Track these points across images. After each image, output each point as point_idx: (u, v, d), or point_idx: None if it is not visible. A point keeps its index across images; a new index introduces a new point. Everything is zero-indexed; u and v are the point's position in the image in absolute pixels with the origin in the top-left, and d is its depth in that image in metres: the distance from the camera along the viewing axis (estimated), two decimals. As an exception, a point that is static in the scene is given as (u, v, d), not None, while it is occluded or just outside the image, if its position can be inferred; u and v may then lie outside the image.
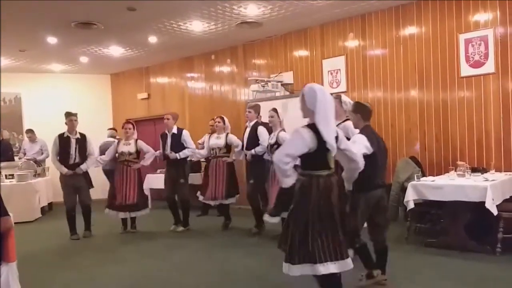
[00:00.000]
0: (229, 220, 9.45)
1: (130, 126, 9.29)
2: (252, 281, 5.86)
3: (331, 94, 8.29)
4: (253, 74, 11.62)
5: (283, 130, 7.96)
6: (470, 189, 6.42)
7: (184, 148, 9.24)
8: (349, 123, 5.99)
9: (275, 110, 8.04)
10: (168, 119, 9.33)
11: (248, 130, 8.83)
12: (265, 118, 8.98)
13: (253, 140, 8.60)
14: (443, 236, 6.99)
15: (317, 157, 4.24)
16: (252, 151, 8.51)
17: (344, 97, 6.39)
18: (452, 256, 6.42)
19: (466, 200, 6.45)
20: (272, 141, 7.96)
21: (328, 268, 4.12)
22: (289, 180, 4.27)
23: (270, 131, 8.39)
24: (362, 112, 5.28)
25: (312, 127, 4.21)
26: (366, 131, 5.09)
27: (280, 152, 4.20)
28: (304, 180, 4.27)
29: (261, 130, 8.57)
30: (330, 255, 4.13)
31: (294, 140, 4.24)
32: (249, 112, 8.86)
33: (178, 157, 9.15)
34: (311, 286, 5.48)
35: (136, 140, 9.33)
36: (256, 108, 8.91)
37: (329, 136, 4.19)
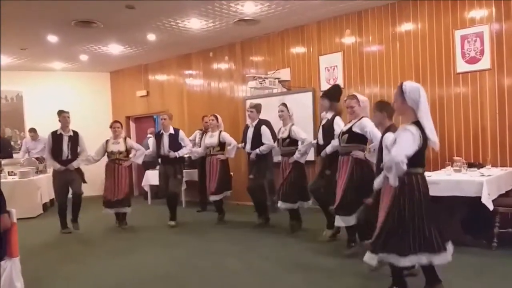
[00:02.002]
0: (222, 214, 9.43)
1: (119, 125, 9.30)
2: (251, 275, 5.77)
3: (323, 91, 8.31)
4: (250, 71, 11.57)
5: (293, 124, 8.02)
6: (466, 184, 6.32)
7: (181, 147, 9.28)
8: (366, 120, 6.06)
9: (284, 105, 8.11)
10: (165, 119, 9.33)
11: (251, 130, 8.81)
12: (264, 115, 8.98)
13: (258, 139, 8.61)
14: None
15: (418, 155, 4.29)
16: (257, 150, 8.52)
17: (359, 96, 6.32)
18: (449, 250, 6.35)
19: (463, 195, 6.34)
20: (284, 135, 8.01)
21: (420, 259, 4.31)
22: (398, 180, 4.27)
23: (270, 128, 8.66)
24: (387, 110, 5.41)
25: (417, 124, 4.26)
26: (394, 130, 5.02)
27: (400, 153, 4.15)
28: (403, 178, 4.28)
29: (264, 130, 8.61)
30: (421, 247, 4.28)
31: (408, 139, 4.22)
32: (251, 111, 8.83)
33: (177, 156, 9.17)
34: (309, 277, 5.44)
35: (125, 138, 9.37)
36: (258, 108, 8.91)
37: (432, 132, 4.30)
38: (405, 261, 4.30)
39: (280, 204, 8.01)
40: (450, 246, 4.46)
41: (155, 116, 14.97)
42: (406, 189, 4.30)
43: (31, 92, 14.57)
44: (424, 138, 4.25)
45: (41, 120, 13.60)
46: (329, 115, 7.10)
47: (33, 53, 12.39)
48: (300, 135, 7.83)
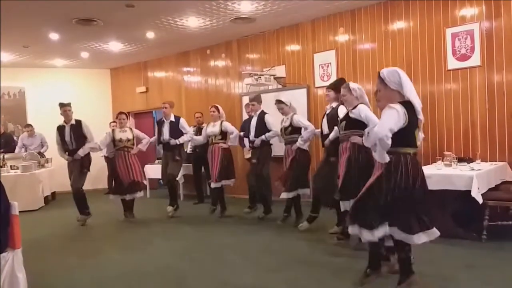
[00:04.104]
0: (223, 208, 9.29)
1: (124, 116, 9.27)
2: (248, 267, 5.72)
3: (319, 87, 8.27)
4: (246, 68, 11.50)
5: (295, 113, 7.99)
6: (456, 179, 6.28)
7: (182, 134, 9.25)
8: (361, 106, 5.90)
9: (279, 101, 8.03)
10: (166, 107, 9.32)
11: (255, 119, 8.73)
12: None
13: (262, 128, 8.54)
14: (431, 223, 6.87)
15: (405, 134, 4.20)
16: (263, 136, 8.45)
17: (352, 84, 6.13)
18: (439, 242, 6.19)
19: (453, 189, 6.31)
20: (286, 124, 7.96)
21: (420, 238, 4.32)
22: (387, 156, 4.22)
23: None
24: None
25: (403, 104, 4.18)
26: None
27: (384, 127, 4.07)
28: (391, 158, 4.23)
29: (268, 118, 8.57)
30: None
31: (391, 115, 4.13)
32: (253, 105, 8.78)
33: (178, 143, 9.18)
34: (306, 270, 5.40)
35: (130, 128, 9.36)
36: (258, 99, 8.84)
37: (419, 107, 4.26)
38: (374, 234, 4.29)
39: (283, 195, 7.95)
40: (431, 232, 4.42)
41: (154, 112, 14.97)
42: (391, 169, 4.23)
43: (33, 88, 14.52)
44: (411, 117, 4.17)
45: (42, 115, 13.63)
46: (334, 104, 7.01)
47: (35, 51, 12.32)
48: (303, 122, 7.82)
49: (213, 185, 9.01)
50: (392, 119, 4.11)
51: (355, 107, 5.93)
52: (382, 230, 4.30)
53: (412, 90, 4.29)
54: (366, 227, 4.33)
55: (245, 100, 10.87)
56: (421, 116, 4.30)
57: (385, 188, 4.25)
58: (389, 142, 4.07)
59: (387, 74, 4.32)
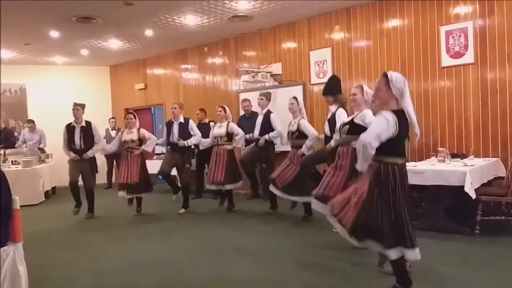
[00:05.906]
0: (232, 205, 9.22)
1: (132, 116, 9.23)
2: (247, 262, 5.68)
3: (315, 84, 8.23)
4: (244, 65, 11.44)
5: (303, 117, 7.84)
6: (450, 174, 6.26)
7: (191, 136, 9.14)
8: (367, 111, 5.74)
9: (295, 98, 7.88)
10: (175, 108, 9.24)
11: (260, 117, 8.65)
12: (257, 108, 8.90)
13: (267, 127, 8.46)
14: (425, 218, 6.81)
15: (394, 143, 4.08)
16: (266, 136, 8.39)
17: (366, 87, 5.96)
18: (433, 237, 6.29)
19: (446, 185, 6.29)
20: (293, 128, 7.79)
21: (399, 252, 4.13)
22: (365, 165, 4.15)
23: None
24: None
25: (396, 113, 4.06)
26: None
27: (370, 135, 3.97)
28: (378, 167, 4.12)
29: (274, 117, 8.48)
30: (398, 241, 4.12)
31: (381, 123, 4.02)
32: (261, 99, 8.70)
33: (187, 145, 9.07)
34: (304, 266, 5.38)
35: (139, 129, 9.23)
36: (268, 96, 8.75)
37: (415, 120, 4.17)
38: (391, 253, 4.09)
39: (273, 191, 7.88)
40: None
41: (152, 109, 14.93)
42: (382, 179, 4.09)
43: (34, 85, 14.42)
44: (402, 127, 4.05)
45: (43, 112, 13.67)
46: (333, 108, 6.86)
47: (36, 48, 12.24)
48: (307, 129, 7.63)
49: (226, 187, 8.95)
50: (380, 127, 4.01)
51: (361, 112, 5.81)
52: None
53: (410, 103, 4.19)
54: (385, 246, 4.11)
55: (242, 96, 10.84)
56: (417, 130, 4.26)
57: (382, 201, 4.10)
58: (373, 151, 3.99)
59: (395, 78, 4.14)
